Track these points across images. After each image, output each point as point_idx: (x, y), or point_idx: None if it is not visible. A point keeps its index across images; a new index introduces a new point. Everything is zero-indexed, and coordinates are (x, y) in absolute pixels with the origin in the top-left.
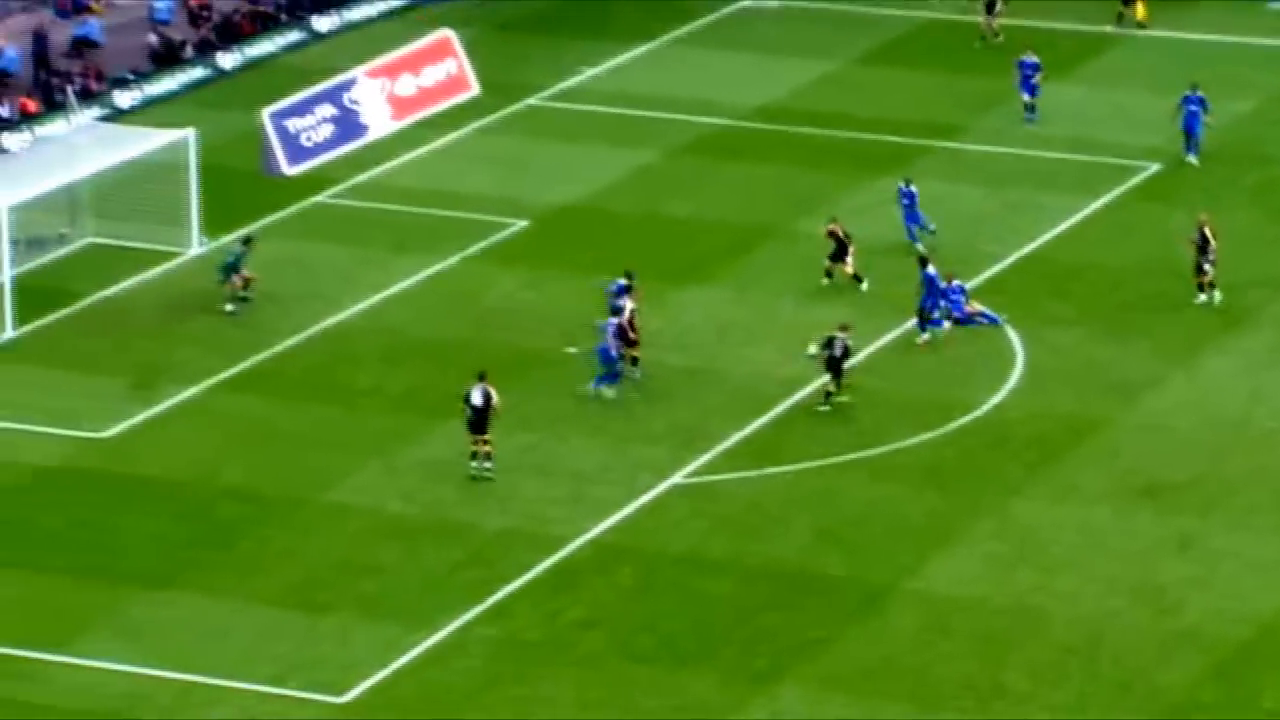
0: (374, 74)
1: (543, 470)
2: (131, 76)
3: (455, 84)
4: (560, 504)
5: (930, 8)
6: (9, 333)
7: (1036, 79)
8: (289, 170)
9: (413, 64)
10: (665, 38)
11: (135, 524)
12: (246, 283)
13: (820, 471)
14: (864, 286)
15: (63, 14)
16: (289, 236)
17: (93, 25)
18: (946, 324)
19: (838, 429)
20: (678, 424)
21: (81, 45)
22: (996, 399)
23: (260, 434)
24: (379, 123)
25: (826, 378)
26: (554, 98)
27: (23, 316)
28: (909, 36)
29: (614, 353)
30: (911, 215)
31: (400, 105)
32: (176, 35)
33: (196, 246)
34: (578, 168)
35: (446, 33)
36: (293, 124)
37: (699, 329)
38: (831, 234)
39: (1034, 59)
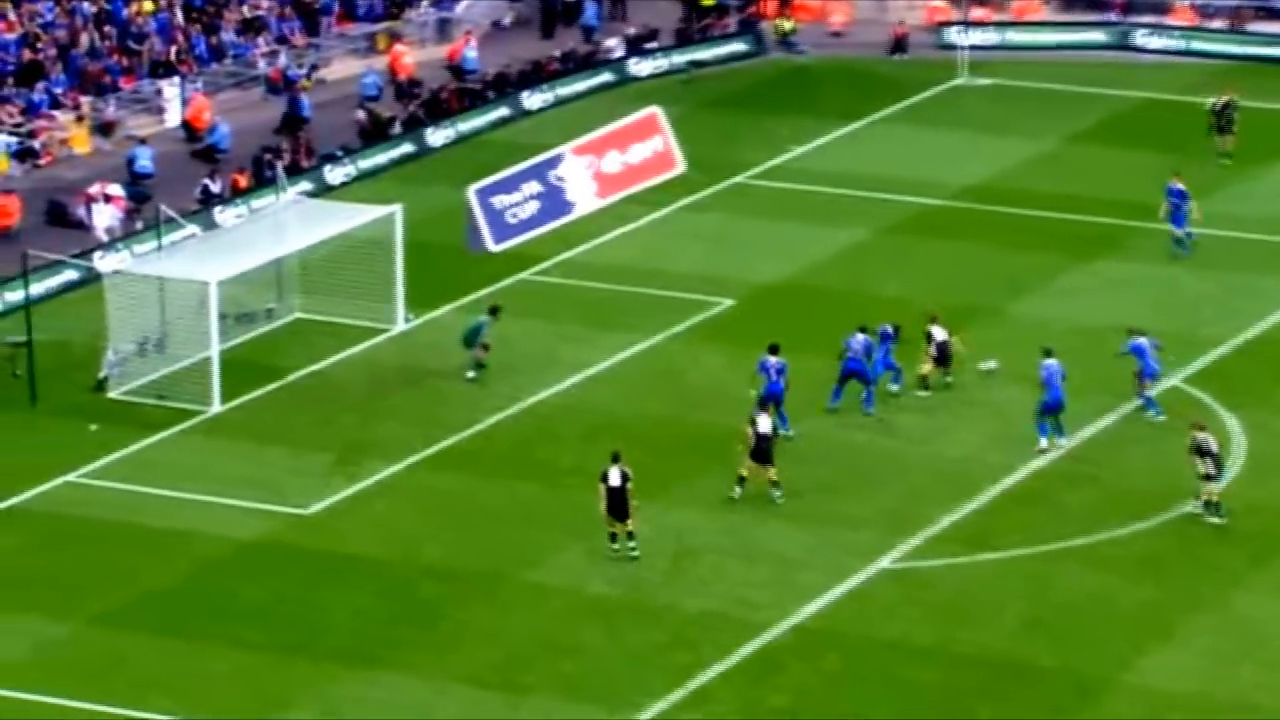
0: (580, 151)
1: (746, 553)
2: (340, 152)
3: (662, 161)
4: (764, 587)
5: (1142, 86)
6: (216, 407)
7: (1186, 208)
8: (494, 247)
9: (619, 141)
10: (874, 116)
11: (337, 601)
12: (485, 349)
13: (1031, 559)
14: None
15: (273, 90)
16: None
17: (302, 101)
18: (1161, 415)
19: (1050, 515)
20: (885, 508)
21: (291, 121)
22: (1217, 488)
23: (462, 512)
24: (585, 200)
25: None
26: (761, 175)
27: (230, 391)
28: (1121, 115)
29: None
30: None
31: (606, 182)
32: (384, 111)
33: (402, 323)
34: (784, 246)
35: (654, 110)
36: (498, 200)
37: (905, 411)
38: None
39: (1181, 186)
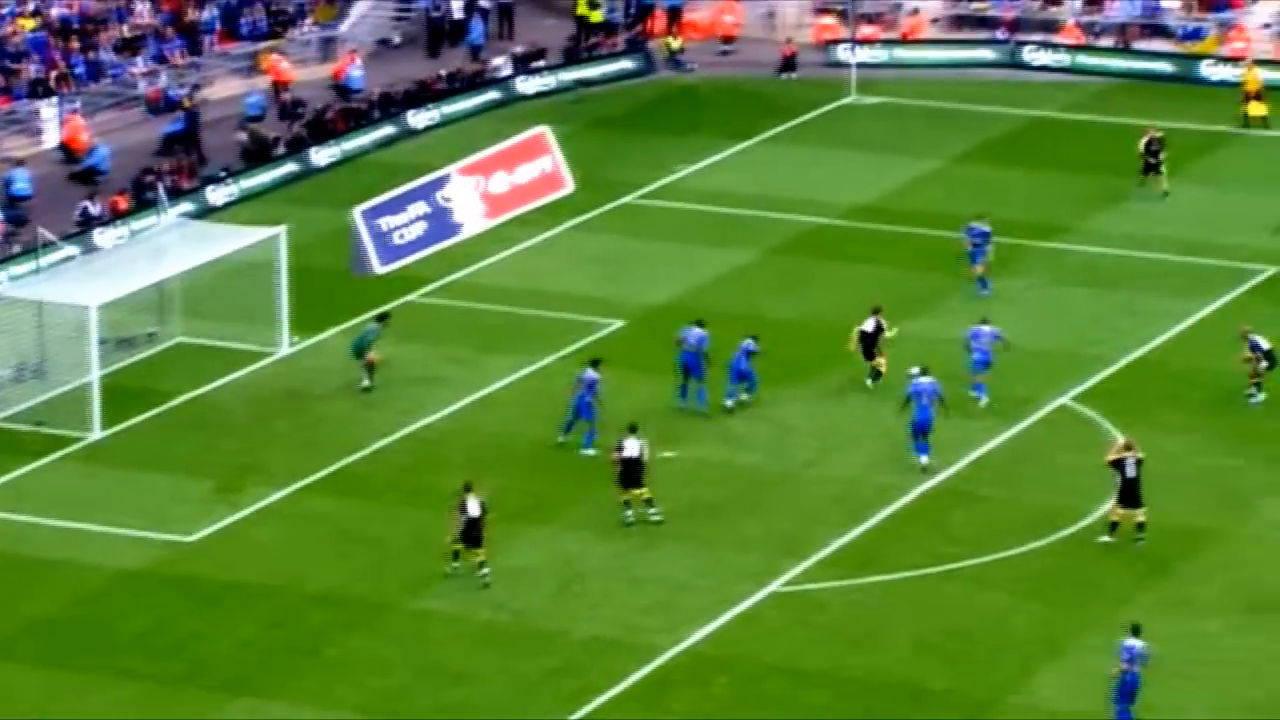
0: (467, 171)
1: (635, 577)
2: (222, 173)
3: (550, 181)
4: (653, 612)
5: (1030, 105)
6: (96, 434)
7: (988, 249)
8: (380, 269)
9: (507, 161)
10: (763, 135)
11: (222, 630)
12: (371, 365)
13: (922, 580)
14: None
15: (153, 111)
16: (379, 336)
17: (183, 122)
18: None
19: (940, 536)
20: (774, 531)
21: (172, 142)
22: (1105, 507)
23: (348, 538)
24: (472, 221)
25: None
26: (650, 195)
27: (110, 417)
28: (1013, 134)
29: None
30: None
31: (494, 203)
32: (268, 131)
33: (286, 346)
34: (674, 267)
35: (541, 129)
36: (384, 222)
37: (796, 433)
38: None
39: (985, 227)
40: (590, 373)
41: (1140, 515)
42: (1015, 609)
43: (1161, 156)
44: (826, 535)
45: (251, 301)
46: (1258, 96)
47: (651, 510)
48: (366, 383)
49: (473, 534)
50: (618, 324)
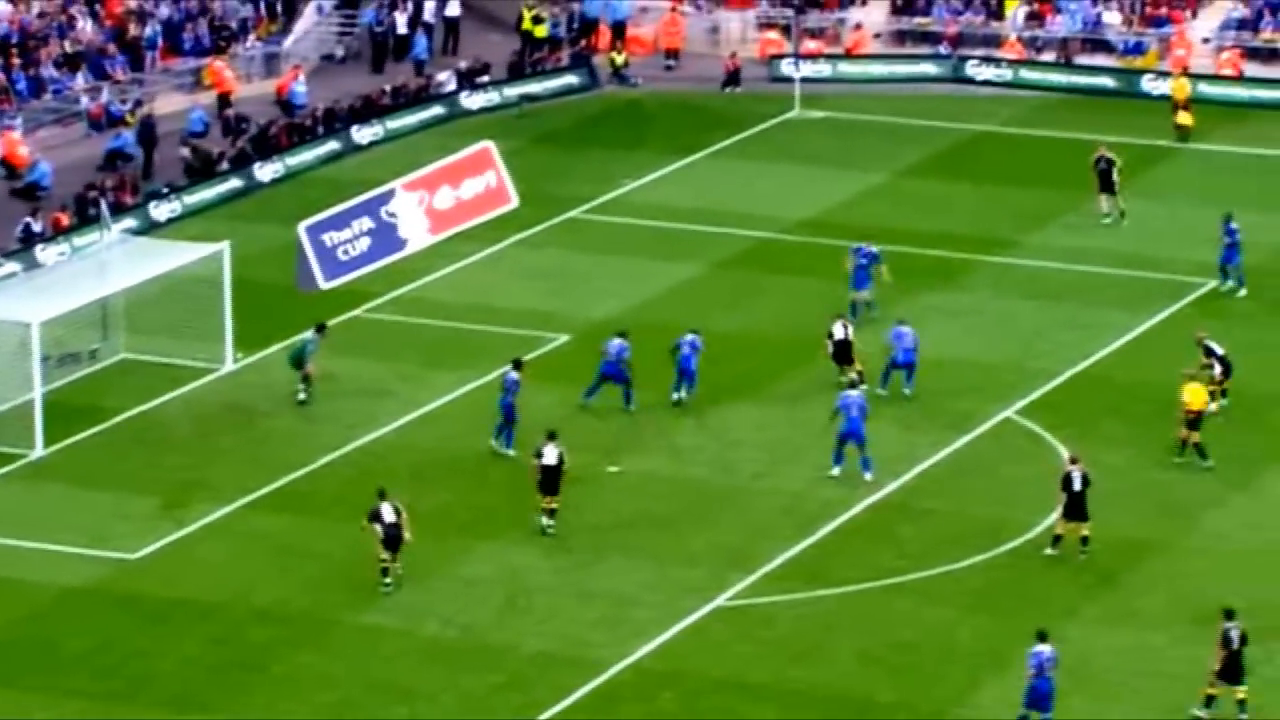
0: (412, 186)
1: (582, 591)
2: (165, 189)
3: (495, 196)
4: (600, 626)
5: (974, 119)
6: (39, 451)
7: (873, 270)
8: (325, 284)
9: (452, 176)
10: (708, 149)
11: (166, 647)
12: (308, 377)
13: (868, 594)
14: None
15: (95, 127)
16: (325, 353)
17: (126, 138)
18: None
19: (885, 550)
20: (721, 544)
21: (115, 158)
22: (1049, 521)
23: (293, 554)
24: (417, 236)
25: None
26: (595, 210)
27: (53, 434)
28: (957, 148)
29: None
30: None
31: (439, 218)
32: (212, 147)
33: (230, 363)
34: (619, 281)
35: (486, 144)
36: (329, 237)
37: (744, 446)
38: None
39: (873, 249)
40: (512, 374)
41: (1085, 529)
42: (961, 622)
43: (1115, 176)
44: (773, 549)
45: (195, 318)
46: (1185, 106)
47: (548, 522)
48: (303, 395)
49: (392, 541)
50: (563, 338)
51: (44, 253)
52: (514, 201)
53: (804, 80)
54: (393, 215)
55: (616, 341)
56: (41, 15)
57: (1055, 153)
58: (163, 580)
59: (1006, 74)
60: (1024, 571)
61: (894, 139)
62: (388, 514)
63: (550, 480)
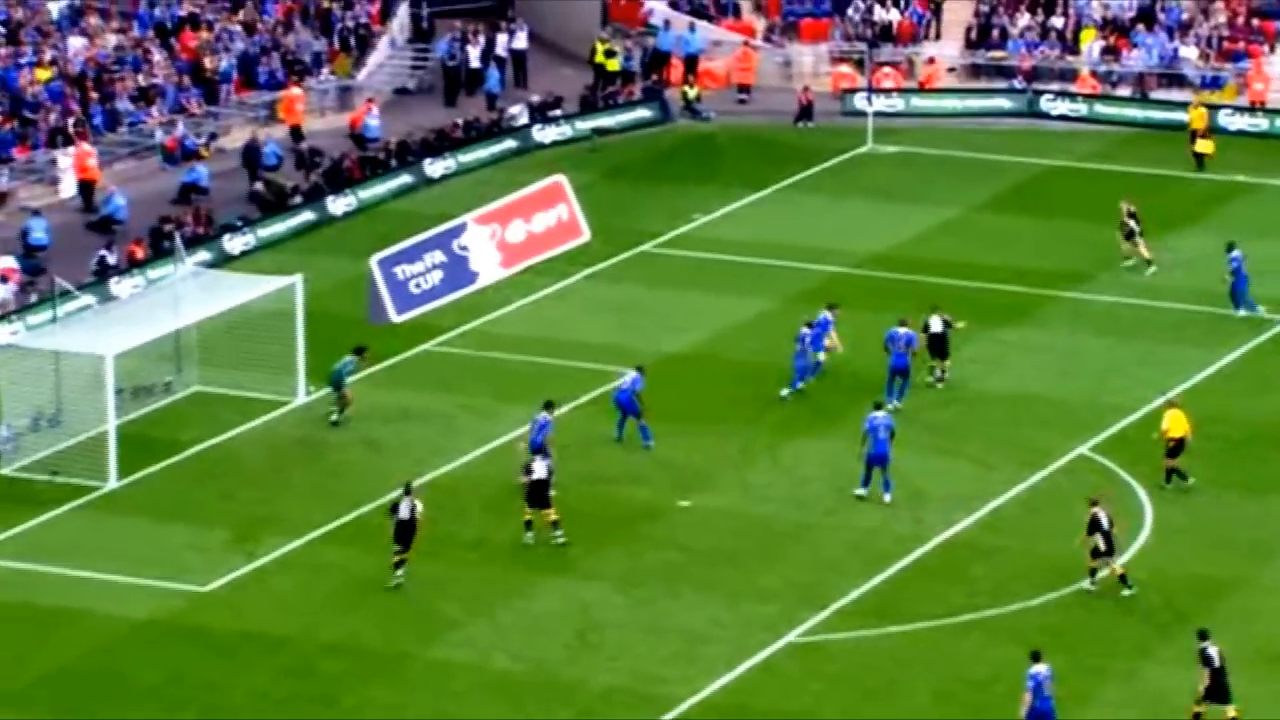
0: (484, 220)
1: (653, 627)
2: (239, 222)
3: (566, 230)
4: (671, 662)
5: (1047, 154)
6: (112, 483)
7: (825, 340)
8: (396, 318)
9: (523, 210)
10: (781, 183)
11: (237, 680)
12: (343, 399)
13: (939, 631)
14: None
15: (170, 160)
16: (396, 385)
17: (200, 171)
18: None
19: (957, 588)
20: (792, 581)
21: (189, 191)
22: (1124, 558)
23: (364, 588)
24: (489, 269)
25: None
26: (667, 244)
27: (126, 466)
28: (1031, 183)
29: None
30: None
31: (510, 252)
32: (285, 181)
33: (303, 395)
34: (691, 316)
35: (558, 178)
36: (401, 270)
37: (815, 481)
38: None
39: (828, 316)
40: (543, 415)
41: (1119, 566)
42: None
43: (1133, 227)
44: (844, 586)
45: (268, 350)
46: (1204, 135)
47: (557, 533)
48: (336, 417)
49: (404, 537)
50: (635, 373)
51: (118, 285)
52: (586, 235)
53: (877, 114)
54: (464, 249)
55: (631, 374)
56: (117, 49)
57: (1130, 188)
58: (234, 613)
59: (1081, 109)
60: (1096, 610)
61: (967, 174)
62: (404, 510)
63: (538, 494)
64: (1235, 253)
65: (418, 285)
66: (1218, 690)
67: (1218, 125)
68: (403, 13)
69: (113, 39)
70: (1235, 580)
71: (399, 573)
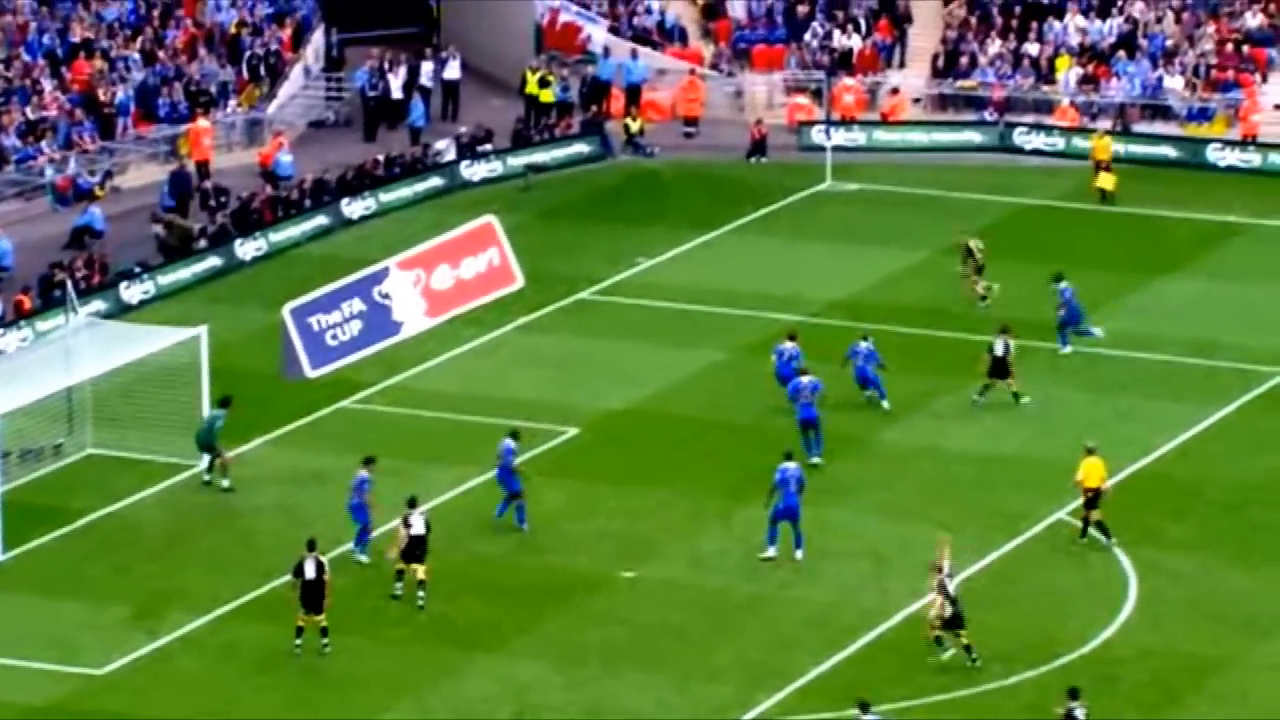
0: (407, 265)
1: (594, 710)
2: (137, 269)
3: (498, 276)
4: None
5: (1022, 192)
6: None
7: (796, 365)
8: (312, 372)
9: (451, 254)
10: (731, 225)
11: None
12: (218, 459)
13: (907, 714)
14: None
15: (61, 201)
16: (310, 446)
17: (94, 213)
18: None
19: (926, 666)
20: (746, 658)
21: (83, 235)
22: (1106, 634)
23: (278, 668)
24: (413, 319)
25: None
26: (607, 291)
27: (13, 537)
28: (1004, 223)
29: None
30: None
31: (437, 300)
32: (189, 223)
33: (207, 459)
34: (634, 369)
35: (488, 219)
36: (316, 321)
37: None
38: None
39: (794, 348)
40: (362, 473)
41: (965, 636)
42: None
43: (978, 258)
44: (803, 663)
45: (170, 409)
46: (1106, 168)
47: (400, 586)
48: (226, 481)
49: (312, 600)
50: (572, 431)
51: (4, 338)
52: (519, 282)
53: (836, 149)
54: (386, 296)
55: (507, 443)
56: (2, 79)
57: (1113, 229)
58: (134, 697)
59: (1058, 142)
60: (1081, 689)
61: (935, 213)
62: (310, 569)
63: (418, 549)
64: (1064, 284)
65: (335, 337)
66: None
67: (1205, 160)
68: (317, 39)
69: None
70: (1226, 657)
71: (315, 641)
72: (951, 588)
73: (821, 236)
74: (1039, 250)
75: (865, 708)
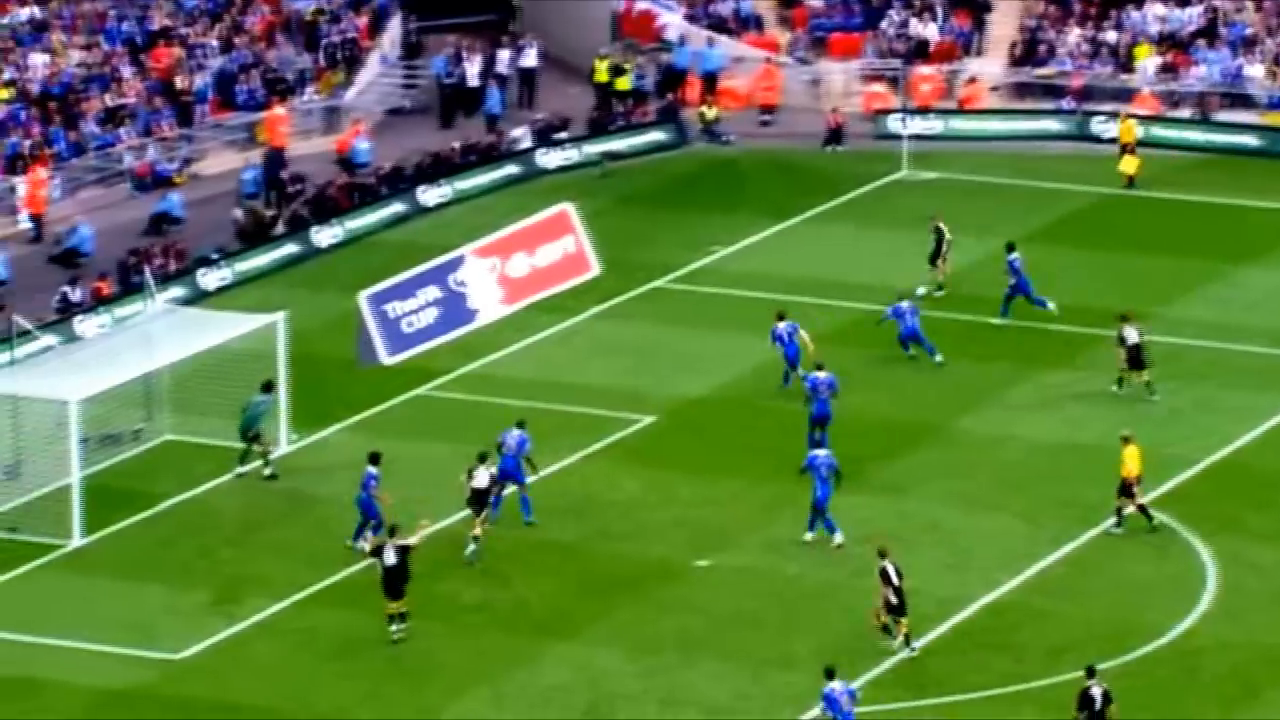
0: (483, 252)
1: (669, 699)
2: (216, 255)
3: (574, 263)
4: None
5: (1100, 181)
6: (77, 540)
7: (797, 338)
8: (387, 360)
9: (527, 241)
10: (807, 213)
11: None
12: (257, 442)
13: (983, 704)
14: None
15: (141, 188)
16: (386, 433)
17: (173, 200)
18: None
19: (1001, 655)
20: (822, 647)
21: (161, 221)
22: (1185, 624)
23: (357, 655)
24: (488, 307)
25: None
26: (683, 279)
27: (93, 522)
28: (1082, 213)
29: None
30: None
31: (512, 287)
32: (266, 210)
33: (285, 444)
34: (710, 357)
35: (565, 207)
36: (392, 308)
37: (847, 538)
38: None
39: (788, 325)
40: (370, 469)
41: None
42: None
43: (944, 248)
44: (880, 652)
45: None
46: (1132, 150)
47: (471, 548)
48: (269, 470)
49: (394, 586)
50: (648, 419)
51: (83, 324)
52: (595, 269)
53: (913, 138)
54: (462, 284)
55: (516, 433)
56: (82, 65)
57: (1191, 218)
58: (213, 682)
59: (1137, 131)
60: (1156, 680)
61: (1012, 202)
62: (390, 556)
63: (478, 502)
64: (1014, 255)
65: (410, 324)
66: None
67: None
68: (395, 27)
69: (77, 55)
70: None
71: (395, 628)
72: (894, 575)
73: (897, 225)
74: (1117, 239)
75: (831, 674)
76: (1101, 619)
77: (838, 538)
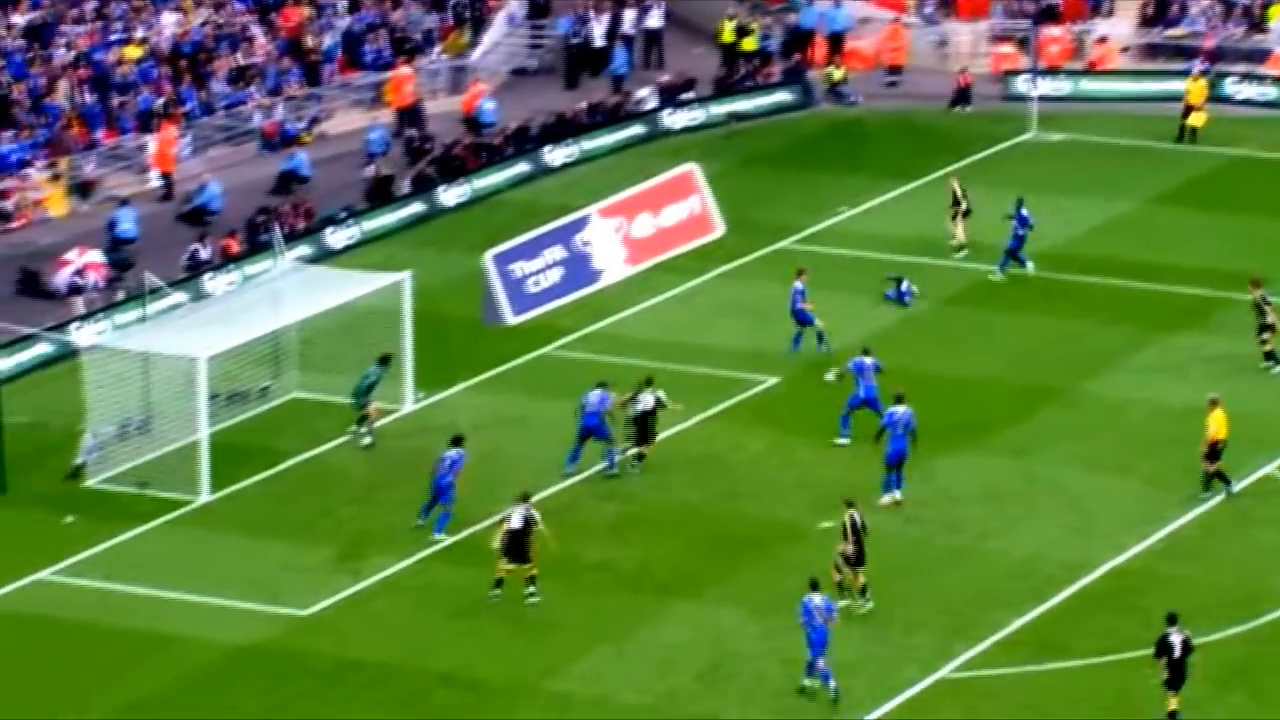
0: (608, 213)
1: (791, 659)
2: (343, 214)
3: (698, 224)
4: (810, 698)
5: (1233, 142)
6: (205, 496)
7: (806, 306)
8: (513, 319)
9: (651, 201)
10: (934, 174)
11: (342, 711)
12: (368, 417)
13: (1109, 668)
14: None
15: (269, 147)
16: (512, 391)
17: (300, 159)
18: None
19: (1128, 620)
20: (946, 609)
21: (289, 180)
22: None
23: (478, 613)
24: (613, 267)
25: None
26: (808, 240)
27: (220, 478)
28: (1213, 175)
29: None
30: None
31: (637, 247)
32: (392, 169)
33: (411, 403)
34: (834, 318)
35: (690, 167)
36: (518, 267)
37: (970, 502)
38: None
39: (801, 285)
40: (452, 452)
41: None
42: (1216, 700)
43: (964, 205)
44: (1003, 616)
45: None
46: (1199, 108)
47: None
48: (368, 439)
49: (517, 549)
50: (773, 380)
51: (212, 282)
52: (719, 230)
53: (1042, 99)
54: (587, 244)
55: (597, 393)
56: (208, 23)
57: None
58: (338, 639)
59: (1270, 93)
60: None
61: (1142, 164)
62: (515, 519)
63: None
64: (1025, 211)
65: (536, 284)
66: (1175, 679)
67: None
68: None
69: (205, 13)
70: None
71: (529, 590)
72: (858, 524)
73: (1025, 187)
74: (1249, 202)
75: (815, 586)
76: (1230, 584)
77: (895, 495)
